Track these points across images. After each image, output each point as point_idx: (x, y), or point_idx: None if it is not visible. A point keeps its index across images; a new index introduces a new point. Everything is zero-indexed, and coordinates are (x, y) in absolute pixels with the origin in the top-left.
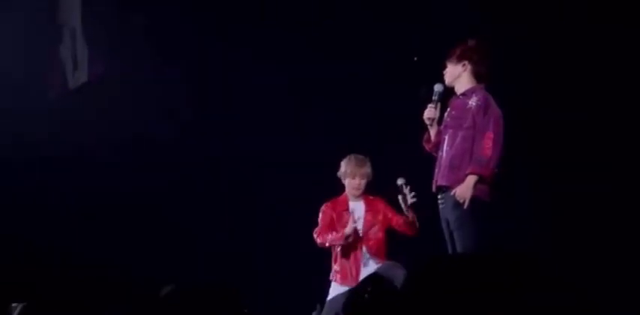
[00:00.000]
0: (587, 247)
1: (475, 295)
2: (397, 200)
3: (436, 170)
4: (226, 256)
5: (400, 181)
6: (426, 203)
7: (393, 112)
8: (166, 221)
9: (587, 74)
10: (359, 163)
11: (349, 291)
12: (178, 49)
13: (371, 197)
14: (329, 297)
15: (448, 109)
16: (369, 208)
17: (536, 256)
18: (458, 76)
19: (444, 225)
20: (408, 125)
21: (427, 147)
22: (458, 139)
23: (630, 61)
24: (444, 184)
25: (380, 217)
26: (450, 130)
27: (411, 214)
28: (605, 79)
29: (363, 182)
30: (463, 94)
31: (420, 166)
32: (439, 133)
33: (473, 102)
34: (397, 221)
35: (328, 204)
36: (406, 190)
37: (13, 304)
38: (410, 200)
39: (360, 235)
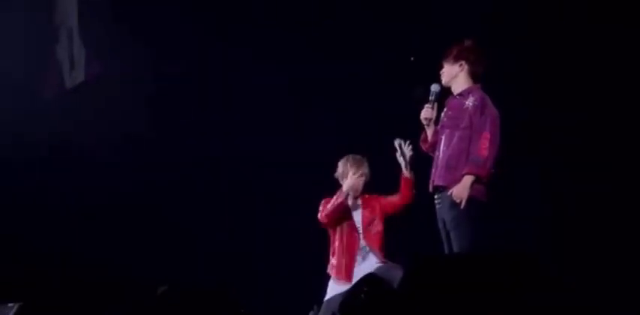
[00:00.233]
0: (587, 248)
1: (471, 294)
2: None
3: (433, 170)
4: (226, 256)
5: (397, 141)
6: (423, 203)
7: (393, 112)
8: (166, 221)
9: (586, 74)
10: (356, 163)
11: (346, 291)
12: (178, 49)
13: (367, 196)
14: (326, 296)
15: (445, 109)
16: (366, 205)
17: (533, 256)
18: (455, 76)
19: (440, 225)
20: (407, 125)
21: (424, 147)
22: (455, 139)
23: (630, 61)
24: (440, 184)
25: (377, 210)
26: (447, 130)
27: (408, 170)
28: (604, 79)
29: (361, 182)
30: (460, 95)
31: (417, 166)
32: (436, 133)
33: (470, 102)
34: (390, 201)
35: (328, 199)
36: (405, 147)
37: (10, 304)
38: (408, 154)
39: (360, 231)
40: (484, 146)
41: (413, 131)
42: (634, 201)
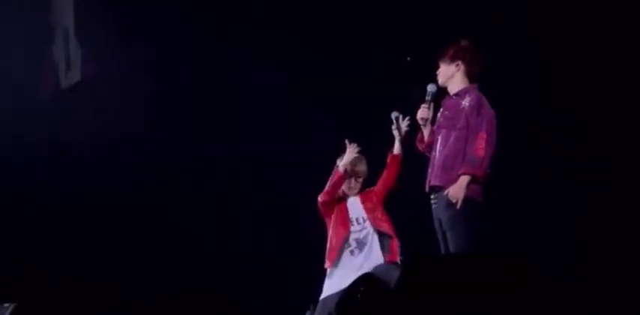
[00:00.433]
0: (587, 248)
1: (468, 294)
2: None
3: (429, 170)
4: (226, 256)
5: (394, 114)
6: (420, 203)
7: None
8: (166, 221)
9: (586, 74)
10: (354, 161)
11: (342, 291)
12: (177, 49)
13: (363, 192)
14: (322, 295)
15: (441, 110)
16: (365, 199)
17: (529, 256)
18: (451, 76)
19: (436, 225)
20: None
21: (420, 147)
22: (451, 140)
23: (630, 61)
24: (437, 184)
25: (374, 199)
26: (443, 131)
27: (398, 145)
28: (604, 79)
29: (360, 180)
30: (456, 95)
31: (413, 166)
32: (432, 134)
33: (466, 102)
34: (381, 184)
35: None
36: (401, 121)
37: (5, 304)
38: (404, 129)
39: (364, 220)
40: (480, 146)
41: (409, 131)
42: (634, 201)
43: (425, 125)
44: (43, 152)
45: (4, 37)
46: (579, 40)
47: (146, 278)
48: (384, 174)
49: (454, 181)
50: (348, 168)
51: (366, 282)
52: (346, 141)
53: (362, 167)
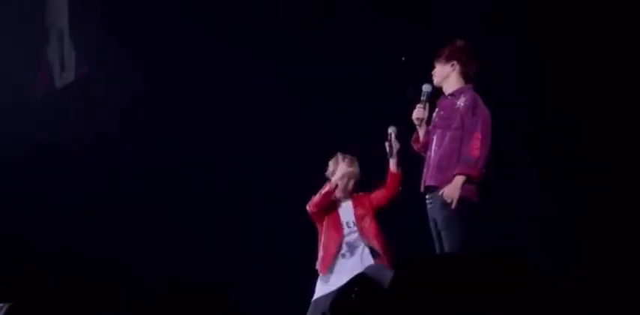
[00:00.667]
0: (586, 248)
1: (462, 295)
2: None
3: (424, 170)
4: (226, 256)
5: (391, 130)
6: (415, 203)
7: (394, 112)
8: (166, 221)
9: (586, 74)
10: (347, 163)
11: (335, 291)
12: (178, 49)
13: (356, 194)
14: (314, 296)
15: (436, 110)
16: (357, 203)
17: (524, 256)
18: (446, 76)
19: (431, 225)
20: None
21: (416, 147)
22: (446, 140)
23: (630, 61)
24: (432, 184)
25: (367, 206)
26: (439, 131)
27: (394, 163)
28: (604, 79)
29: (352, 182)
30: (451, 95)
31: (409, 165)
32: (427, 133)
33: (461, 102)
34: (377, 195)
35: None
36: (394, 140)
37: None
38: (395, 147)
39: (353, 225)
40: (475, 146)
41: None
42: (634, 201)
43: (420, 125)
44: (40, 152)
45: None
46: (579, 40)
47: (146, 278)
48: (384, 190)
49: (449, 181)
50: (340, 183)
51: (360, 282)
52: (339, 155)
53: (355, 169)
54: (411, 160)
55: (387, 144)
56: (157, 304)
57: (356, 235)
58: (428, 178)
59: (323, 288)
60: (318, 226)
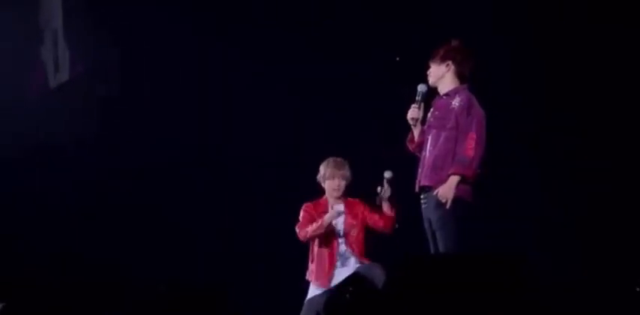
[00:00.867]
0: (586, 248)
1: (457, 295)
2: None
3: (419, 170)
4: (226, 256)
5: (387, 175)
6: (409, 203)
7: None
8: (166, 221)
9: (586, 74)
10: (337, 165)
11: (330, 290)
12: (176, 48)
13: (351, 200)
14: (308, 295)
15: (431, 110)
16: (349, 211)
17: (518, 256)
18: (441, 76)
19: (426, 225)
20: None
21: (410, 147)
22: (441, 140)
23: (630, 61)
24: (426, 184)
25: (359, 218)
26: (433, 131)
27: (387, 206)
28: (604, 79)
29: (343, 183)
30: (446, 95)
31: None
32: (422, 134)
33: (456, 102)
34: (372, 218)
35: (309, 204)
36: (386, 186)
37: None
38: (387, 194)
39: (342, 235)
40: (470, 146)
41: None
42: (634, 201)
43: (415, 125)
44: (34, 152)
45: None
46: (580, 40)
47: (146, 278)
48: (380, 222)
49: (444, 181)
50: (330, 227)
51: (353, 282)
52: (328, 167)
53: (345, 171)
54: (406, 160)
55: (379, 188)
56: (156, 304)
57: (344, 245)
58: (422, 178)
59: (315, 289)
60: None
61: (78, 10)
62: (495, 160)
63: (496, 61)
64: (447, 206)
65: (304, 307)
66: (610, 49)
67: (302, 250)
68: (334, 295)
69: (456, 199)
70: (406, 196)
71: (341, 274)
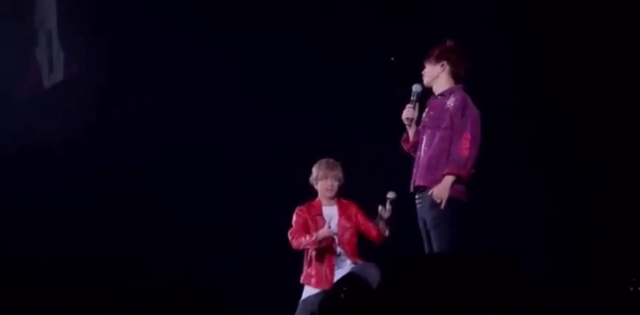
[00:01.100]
0: (586, 248)
1: (451, 294)
2: (371, 205)
3: (414, 170)
4: (226, 255)
5: (390, 195)
6: (404, 203)
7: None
8: (166, 221)
9: (586, 74)
10: (329, 166)
11: (324, 291)
12: (171, 49)
13: (344, 201)
14: (303, 296)
15: (426, 110)
16: (343, 212)
17: (511, 257)
18: (436, 76)
19: (420, 225)
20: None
21: (405, 147)
22: (436, 140)
23: (631, 61)
24: (421, 184)
25: (353, 221)
26: (428, 131)
27: (383, 227)
28: (604, 79)
29: (336, 184)
30: (441, 95)
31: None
32: (417, 133)
33: (451, 102)
34: (366, 226)
35: (302, 208)
36: (389, 207)
37: None
38: (387, 214)
39: (335, 238)
40: (465, 146)
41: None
42: (634, 201)
43: (410, 125)
44: (28, 152)
45: None
46: (580, 40)
47: (146, 278)
48: (372, 236)
49: (438, 181)
50: (323, 243)
51: (348, 282)
52: (321, 169)
53: (338, 172)
54: (401, 160)
55: (380, 207)
56: (156, 304)
57: (339, 247)
58: (417, 178)
59: (312, 289)
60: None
61: (72, 10)
62: (495, 160)
63: (495, 61)
64: (442, 206)
65: (299, 308)
66: (609, 49)
67: (302, 251)
68: (329, 295)
69: (450, 199)
70: (401, 196)
71: (338, 276)
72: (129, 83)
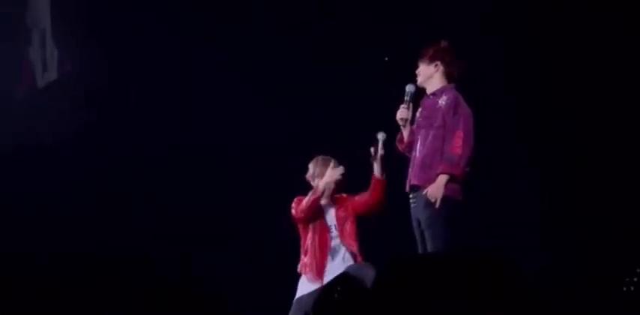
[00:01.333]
0: (586, 248)
1: (444, 294)
2: None
3: (410, 170)
4: (225, 255)
5: (380, 136)
6: (398, 202)
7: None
8: (166, 221)
9: (586, 74)
10: (327, 163)
11: (319, 290)
12: (164, 49)
13: (338, 196)
14: (296, 295)
15: (420, 109)
16: (340, 205)
17: (506, 257)
18: (430, 76)
19: (414, 224)
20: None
21: (400, 147)
22: (429, 139)
23: (631, 61)
24: (416, 183)
25: (349, 209)
26: (422, 130)
27: (378, 168)
28: (604, 79)
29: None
30: (433, 94)
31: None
32: (412, 133)
33: (442, 101)
34: (360, 199)
35: (301, 197)
36: (380, 146)
37: None
38: (380, 153)
39: (334, 229)
40: (457, 145)
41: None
42: (634, 201)
43: (404, 125)
44: (22, 151)
45: None
46: (580, 40)
47: (146, 278)
48: (367, 196)
49: (433, 180)
50: (326, 191)
51: (342, 281)
52: (320, 157)
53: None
54: (397, 161)
55: (372, 148)
56: (156, 304)
57: (338, 239)
58: (412, 177)
59: (306, 286)
60: (301, 229)
61: (66, 9)
62: (495, 160)
63: (495, 60)
64: (436, 205)
65: (293, 307)
66: (609, 49)
67: (296, 251)
68: (323, 294)
69: (445, 199)
70: (395, 196)
71: (333, 268)
72: (123, 82)
